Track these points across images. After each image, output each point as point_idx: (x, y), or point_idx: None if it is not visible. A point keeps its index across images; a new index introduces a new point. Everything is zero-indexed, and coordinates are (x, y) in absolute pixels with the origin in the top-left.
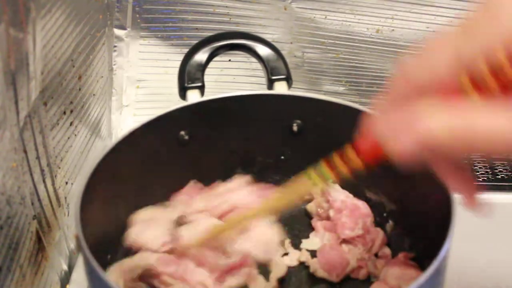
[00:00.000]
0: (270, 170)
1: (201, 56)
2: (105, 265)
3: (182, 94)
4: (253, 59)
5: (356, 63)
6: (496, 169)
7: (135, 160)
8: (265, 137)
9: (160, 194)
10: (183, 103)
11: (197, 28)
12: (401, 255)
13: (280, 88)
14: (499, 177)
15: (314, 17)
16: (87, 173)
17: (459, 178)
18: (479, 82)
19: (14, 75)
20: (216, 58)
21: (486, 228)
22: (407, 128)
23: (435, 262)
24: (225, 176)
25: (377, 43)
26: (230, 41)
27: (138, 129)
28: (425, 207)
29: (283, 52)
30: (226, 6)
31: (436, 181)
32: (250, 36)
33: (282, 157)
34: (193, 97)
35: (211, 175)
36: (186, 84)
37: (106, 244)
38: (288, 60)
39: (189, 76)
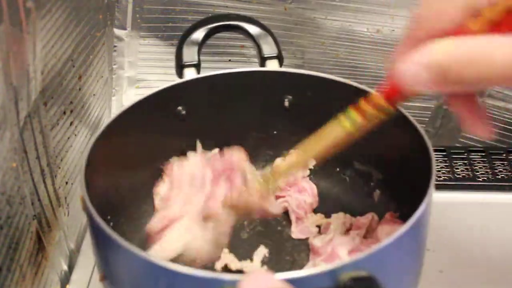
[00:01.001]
0: (263, 145)
1: (197, 35)
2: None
3: (179, 72)
4: (254, 60)
5: (356, 63)
6: (496, 169)
7: (135, 132)
8: (258, 112)
9: (158, 168)
10: (179, 80)
11: None
12: (387, 215)
13: (272, 66)
14: (499, 177)
15: (314, 17)
16: (91, 142)
17: (470, 111)
18: (487, 24)
19: (14, 75)
20: (215, 58)
21: (487, 228)
22: (415, 54)
23: (417, 212)
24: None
25: (377, 43)
26: (224, 22)
27: (137, 103)
28: (408, 173)
29: (283, 53)
30: (226, 6)
31: (418, 147)
32: (242, 18)
33: (275, 132)
34: (190, 74)
35: (207, 149)
36: (182, 63)
37: (108, 210)
38: (288, 60)
39: (186, 55)
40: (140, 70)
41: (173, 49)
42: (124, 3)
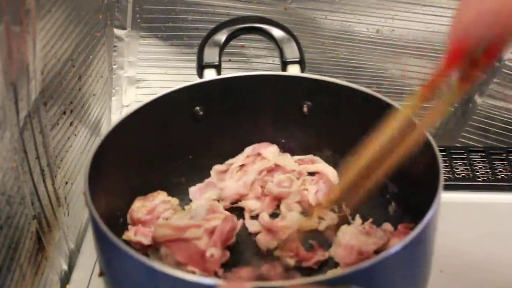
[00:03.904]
0: (280, 149)
1: (219, 37)
2: (117, 228)
3: (200, 73)
4: (254, 60)
5: (356, 63)
6: (496, 169)
7: (149, 130)
8: (276, 116)
9: (172, 166)
10: (199, 80)
11: (197, 28)
12: (400, 227)
13: (293, 70)
14: (499, 177)
15: (314, 17)
16: (99, 139)
17: None
18: None
19: (14, 75)
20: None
21: (487, 228)
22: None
23: (422, 223)
24: (237, 151)
25: (377, 43)
26: (247, 24)
27: (154, 101)
28: (420, 187)
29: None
30: (226, 6)
31: (428, 160)
32: (266, 20)
33: (292, 136)
34: (210, 75)
35: (223, 151)
36: (203, 63)
37: (116, 207)
38: None
39: (207, 56)
40: (140, 70)
41: (173, 49)
42: (124, 3)
